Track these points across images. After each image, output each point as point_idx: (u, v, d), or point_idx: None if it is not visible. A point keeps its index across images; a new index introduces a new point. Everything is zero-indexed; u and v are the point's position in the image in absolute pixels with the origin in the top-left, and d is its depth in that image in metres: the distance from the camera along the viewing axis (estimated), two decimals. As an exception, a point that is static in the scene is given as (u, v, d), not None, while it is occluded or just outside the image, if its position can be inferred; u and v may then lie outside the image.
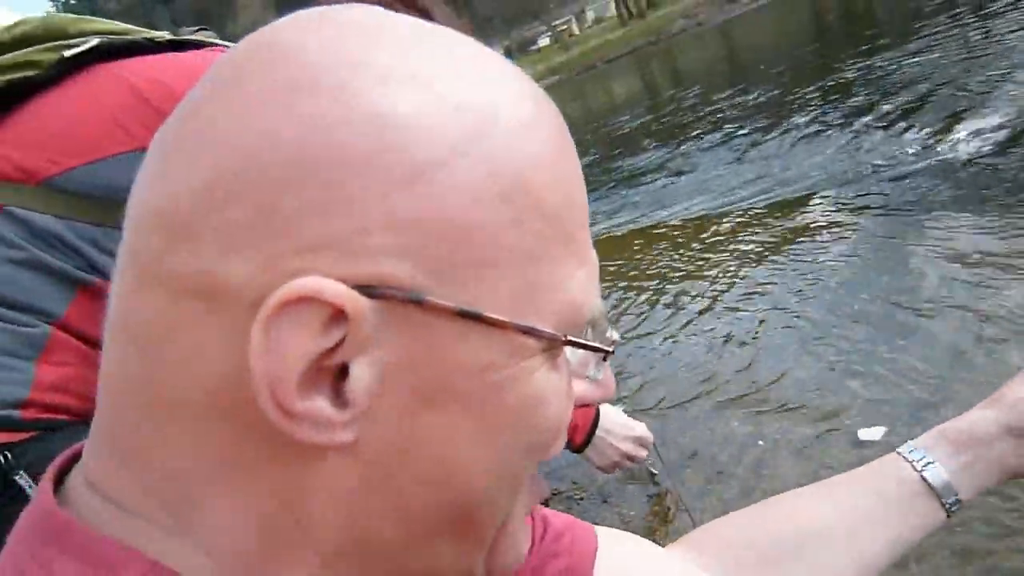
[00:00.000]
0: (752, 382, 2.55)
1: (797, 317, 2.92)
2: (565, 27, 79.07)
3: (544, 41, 77.26)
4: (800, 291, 3.14)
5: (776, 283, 3.31)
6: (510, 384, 0.35)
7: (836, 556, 0.72)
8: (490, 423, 0.36)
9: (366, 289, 0.32)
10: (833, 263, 3.29)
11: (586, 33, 67.79)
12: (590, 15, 79.56)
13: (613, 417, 1.70)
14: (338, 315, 0.32)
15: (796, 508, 0.76)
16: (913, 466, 0.73)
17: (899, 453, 0.75)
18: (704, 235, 4.42)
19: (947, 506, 0.72)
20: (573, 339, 0.37)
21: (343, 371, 0.33)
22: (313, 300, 0.31)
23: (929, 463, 0.72)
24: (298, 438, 0.32)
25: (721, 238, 4.26)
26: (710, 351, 2.91)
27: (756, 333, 2.91)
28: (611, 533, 0.73)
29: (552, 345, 0.36)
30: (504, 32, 79.60)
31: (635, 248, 4.74)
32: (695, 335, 3.10)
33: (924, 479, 0.72)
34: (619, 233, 5.29)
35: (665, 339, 3.17)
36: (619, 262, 4.48)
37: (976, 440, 0.73)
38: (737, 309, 3.20)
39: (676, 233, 4.70)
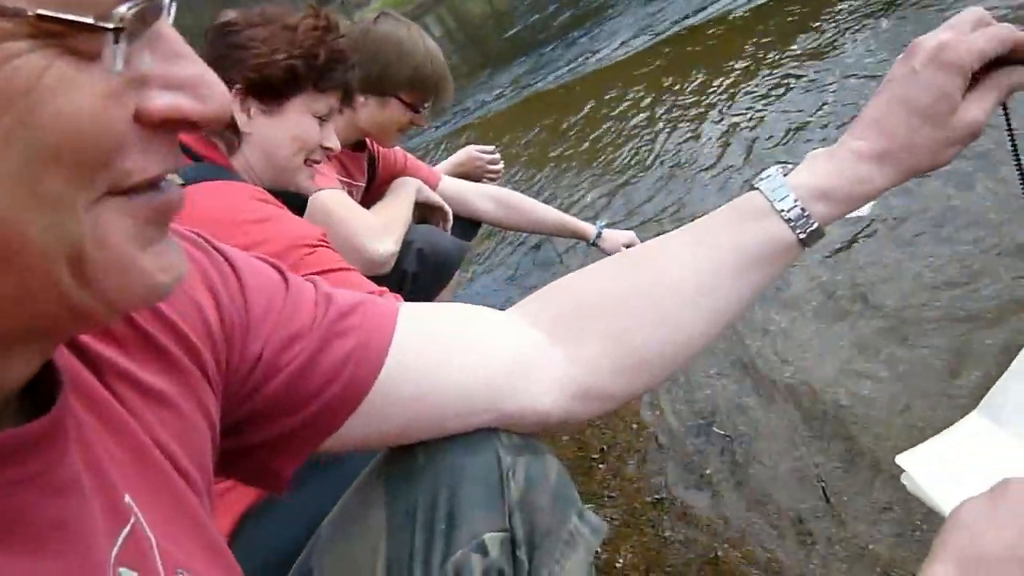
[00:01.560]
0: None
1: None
2: None
3: None
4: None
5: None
6: None
7: (677, 296, 0.68)
8: None
9: None
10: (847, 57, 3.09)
11: None
12: None
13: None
14: None
15: (639, 256, 0.72)
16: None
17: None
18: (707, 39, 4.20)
19: (795, 224, 0.68)
20: (45, 13, 0.29)
21: None
22: None
23: (771, 179, 0.68)
24: None
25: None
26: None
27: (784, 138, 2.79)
28: (430, 307, 0.70)
29: (36, 26, 0.29)
30: None
31: (627, 76, 4.54)
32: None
33: (764, 195, 0.68)
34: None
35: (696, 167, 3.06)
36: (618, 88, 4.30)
37: (825, 156, 0.69)
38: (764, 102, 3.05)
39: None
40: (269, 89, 1.26)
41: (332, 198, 1.54)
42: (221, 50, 1.25)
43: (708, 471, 1.51)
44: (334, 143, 1.36)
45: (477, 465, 0.64)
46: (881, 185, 0.67)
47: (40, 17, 0.29)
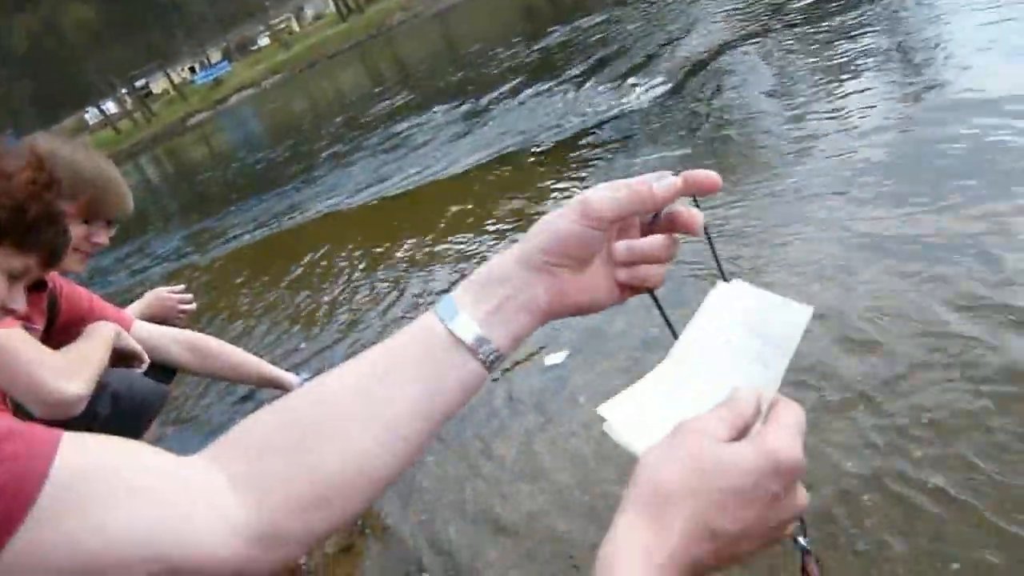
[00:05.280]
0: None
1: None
2: (284, 25, 75.55)
3: (264, 41, 72.93)
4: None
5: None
6: None
7: (358, 425, 0.66)
8: None
9: None
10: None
11: (307, 30, 65.59)
12: (309, 12, 76.80)
13: None
14: None
15: (319, 388, 0.69)
16: (442, 320, 0.67)
17: (432, 309, 0.68)
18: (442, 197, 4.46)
19: (483, 358, 0.67)
20: None
21: None
22: None
23: (455, 315, 0.67)
24: None
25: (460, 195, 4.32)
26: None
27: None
28: (92, 438, 0.64)
29: None
30: (220, 33, 74.24)
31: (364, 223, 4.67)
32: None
33: (452, 333, 0.67)
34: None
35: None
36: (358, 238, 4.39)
37: (497, 282, 0.67)
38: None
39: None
40: None
41: (11, 336, 1.39)
42: None
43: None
44: (20, 305, 1.18)
45: None
46: (539, 297, 0.67)
47: None
